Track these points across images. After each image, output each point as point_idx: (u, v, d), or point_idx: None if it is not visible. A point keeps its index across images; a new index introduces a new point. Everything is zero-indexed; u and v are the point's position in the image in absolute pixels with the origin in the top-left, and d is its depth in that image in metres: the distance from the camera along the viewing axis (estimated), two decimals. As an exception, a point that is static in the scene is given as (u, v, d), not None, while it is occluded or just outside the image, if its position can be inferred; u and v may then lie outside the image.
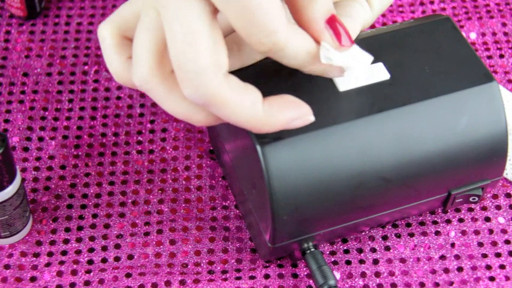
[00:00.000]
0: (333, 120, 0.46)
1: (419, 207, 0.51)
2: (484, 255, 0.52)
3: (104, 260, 0.52)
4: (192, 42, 0.39)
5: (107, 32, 0.44)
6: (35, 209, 0.54)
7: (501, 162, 0.50)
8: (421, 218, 0.54)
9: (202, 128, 0.58)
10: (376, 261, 0.52)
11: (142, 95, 0.60)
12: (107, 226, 0.54)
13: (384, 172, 0.47)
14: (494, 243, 0.53)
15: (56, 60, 0.62)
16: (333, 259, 0.52)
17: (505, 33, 0.64)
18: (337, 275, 0.51)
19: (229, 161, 0.52)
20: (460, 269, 0.52)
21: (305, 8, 0.42)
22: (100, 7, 0.66)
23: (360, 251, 0.52)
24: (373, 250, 0.52)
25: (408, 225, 0.54)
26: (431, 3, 0.66)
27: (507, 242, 0.53)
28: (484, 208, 0.54)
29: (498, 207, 0.55)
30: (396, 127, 0.47)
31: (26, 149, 0.57)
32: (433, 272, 0.52)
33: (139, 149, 0.57)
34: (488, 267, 0.52)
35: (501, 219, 0.54)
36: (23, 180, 0.55)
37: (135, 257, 0.52)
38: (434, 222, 0.54)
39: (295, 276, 0.52)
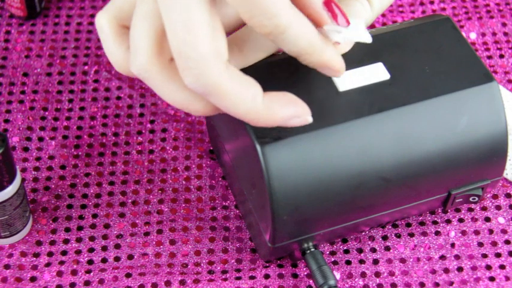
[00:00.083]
0: (332, 120, 0.46)
1: (419, 207, 0.51)
2: (484, 255, 0.52)
3: (104, 260, 0.52)
4: (191, 30, 0.39)
5: (104, 22, 0.44)
6: (35, 209, 0.54)
7: (501, 162, 0.50)
8: (421, 218, 0.54)
9: (202, 128, 0.58)
10: (376, 261, 0.52)
11: (143, 95, 0.60)
12: (107, 226, 0.54)
13: (384, 172, 0.47)
14: (494, 243, 0.53)
15: (56, 60, 0.62)
16: (333, 259, 0.52)
17: (505, 33, 0.64)
18: (337, 275, 0.51)
19: (229, 161, 0.52)
20: (460, 269, 0.52)
21: None
22: (100, 7, 0.66)
23: (360, 251, 0.52)
24: (373, 250, 0.52)
25: (408, 225, 0.54)
26: (431, 3, 0.66)
27: (507, 242, 0.53)
28: (484, 208, 0.54)
29: (498, 207, 0.55)
30: (396, 127, 0.47)
31: (26, 149, 0.57)
32: (433, 272, 0.52)
33: (140, 149, 0.57)
34: (488, 267, 0.52)
35: (501, 219, 0.54)
36: (23, 180, 0.55)
37: (135, 257, 0.52)
38: (434, 222, 0.54)
39: (295, 276, 0.52)
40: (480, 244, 0.53)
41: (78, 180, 0.56)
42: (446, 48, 0.50)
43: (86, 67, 0.62)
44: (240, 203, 0.53)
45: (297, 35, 0.41)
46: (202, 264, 0.52)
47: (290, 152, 0.45)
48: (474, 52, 0.50)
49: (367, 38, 0.44)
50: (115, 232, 0.53)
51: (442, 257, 0.52)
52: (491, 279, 0.51)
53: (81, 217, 0.54)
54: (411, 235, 0.53)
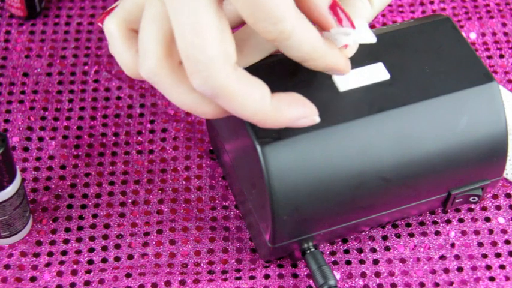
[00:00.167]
0: (333, 120, 0.46)
1: (419, 207, 0.51)
2: (484, 256, 0.52)
3: (104, 260, 0.52)
4: (199, 33, 0.39)
5: (113, 26, 0.44)
6: (35, 209, 0.54)
7: (501, 162, 0.50)
8: (421, 218, 0.54)
9: (202, 128, 0.58)
10: (376, 261, 0.52)
11: (143, 95, 0.60)
12: (107, 226, 0.54)
13: (384, 172, 0.47)
14: (494, 244, 0.53)
15: (56, 60, 0.62)
16: (333, 259, 0.52)
17: (505, 33, 0.64)
18: (337, 275, 0.51)
19: (229, 161, 0.52)
20: (460, 269, 0.52)
21: None
22: (100, 7, 0.66)
23: (360, 251, 0.52)
24: (373, 250, 0.52)
25: (408, 225, 0.54)
26: (431, 3, 0.66)
27: (507, 242, 0.53)
28: (484, 208, 0.54)
29: (498, 208, 0.55)
30: (396, 127, 0.47)
31: (26, 149, 0.57)
32: (433, 272, 0.52)
33: (140, 149, 0.57)
34: (488, 268, 0.52)
35: (501, 220, 0.54)
36: (23, 180, 0.55)
37: (135, 257, 0.52)
38: (434, 222, 0.54)
39: (295, 276, 0.52)
40: (480, 244, 0.53)
41: (78, 180, 0.56)
42: (446, 48, 0.50)
43: (86, 67, 0.62)
44: (240, 203, 0.53)
45: (301, 41, 0.41)
46: (202, 264, 0.52)
47: (290, 152, 0.45)
48: (474, 52, 0.50)
49: (372, 39, 0.44)
50: (115, 232, 0.53)
51: (442, 257, 0.52)
52: (491, 279, 0.51)
53: (81, 217, 0.54)
54: (411, 235, 0.53)
